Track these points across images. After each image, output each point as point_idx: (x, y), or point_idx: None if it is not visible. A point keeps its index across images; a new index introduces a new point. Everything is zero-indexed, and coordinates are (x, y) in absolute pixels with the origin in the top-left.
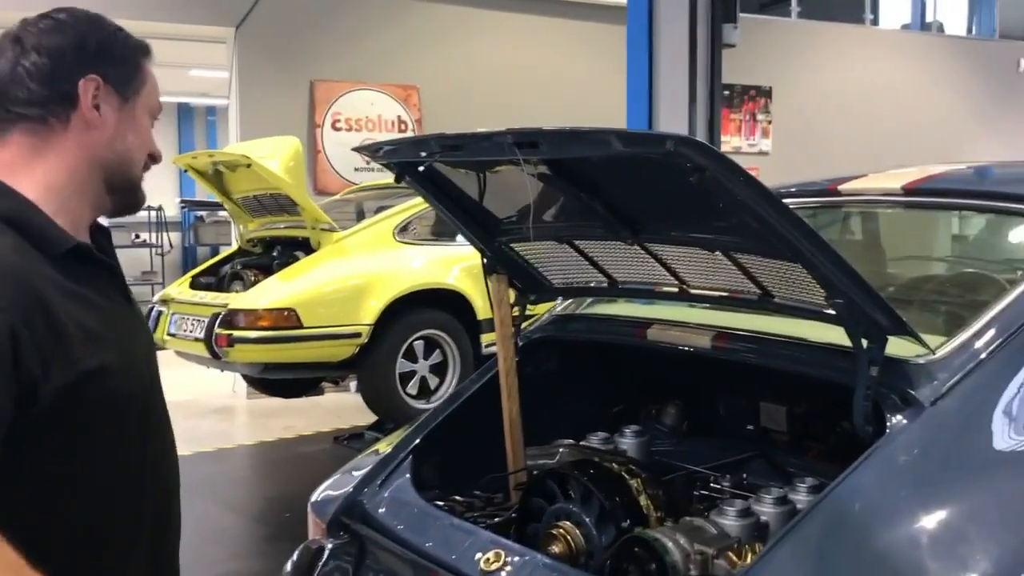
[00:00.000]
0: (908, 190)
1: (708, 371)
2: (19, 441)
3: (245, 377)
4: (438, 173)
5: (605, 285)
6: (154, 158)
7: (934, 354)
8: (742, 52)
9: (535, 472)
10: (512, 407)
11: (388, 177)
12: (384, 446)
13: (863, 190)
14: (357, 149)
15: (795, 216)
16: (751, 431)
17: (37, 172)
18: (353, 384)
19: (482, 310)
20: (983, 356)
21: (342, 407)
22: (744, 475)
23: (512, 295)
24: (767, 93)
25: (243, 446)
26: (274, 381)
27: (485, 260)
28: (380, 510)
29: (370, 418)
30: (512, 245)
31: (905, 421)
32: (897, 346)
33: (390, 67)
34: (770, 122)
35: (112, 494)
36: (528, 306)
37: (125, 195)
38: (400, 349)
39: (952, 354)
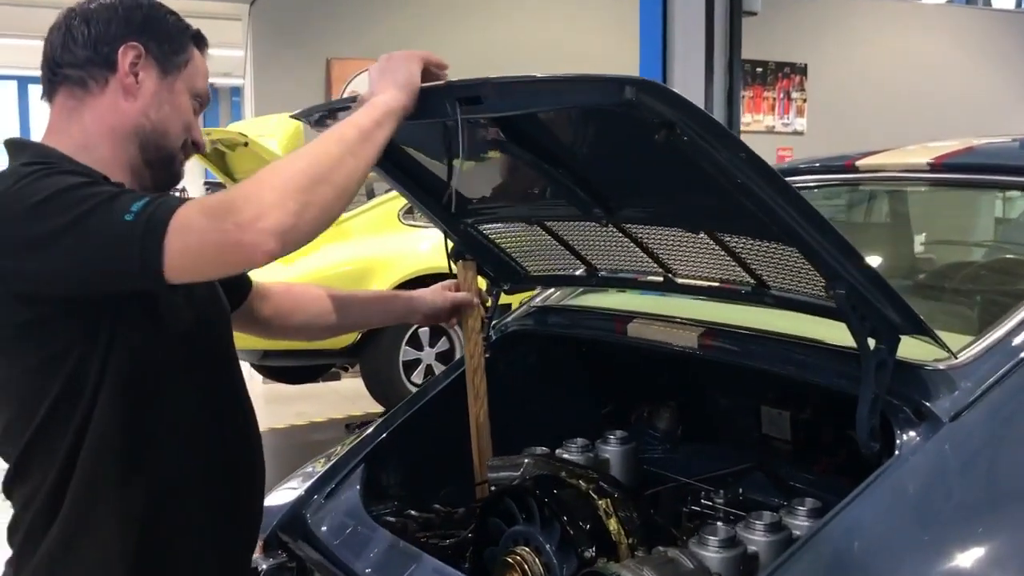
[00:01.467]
0: (935, 166)
1: (704, 370)
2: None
3: (251, 363)
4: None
5: (584, 273)
6: (196, 145)
7: (955, 358)
8: (775, 28)
9: (492, 488)
10: (479, 410)
11: None
12: (339, 448)
13: (884, 166)
14: (295, 115)
15: (786, 186)
16: (751, 439)
17: (73, 131)
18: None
19: None
20: (1015, 361)
21: (358, 393)
22: (740, 490)
23: (482, 283)
24: (802, 70)
25: None
26: (282, 368)
27: (450, 244)
28: (323, 527)
29: (376, 405)
30: (480, 228)
31: (918, 439)
32: (911, 348)
33: (408, 44)
34: (805, 100)
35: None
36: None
37: (160, 168)
38: (404, 336)
39: (978, 359)
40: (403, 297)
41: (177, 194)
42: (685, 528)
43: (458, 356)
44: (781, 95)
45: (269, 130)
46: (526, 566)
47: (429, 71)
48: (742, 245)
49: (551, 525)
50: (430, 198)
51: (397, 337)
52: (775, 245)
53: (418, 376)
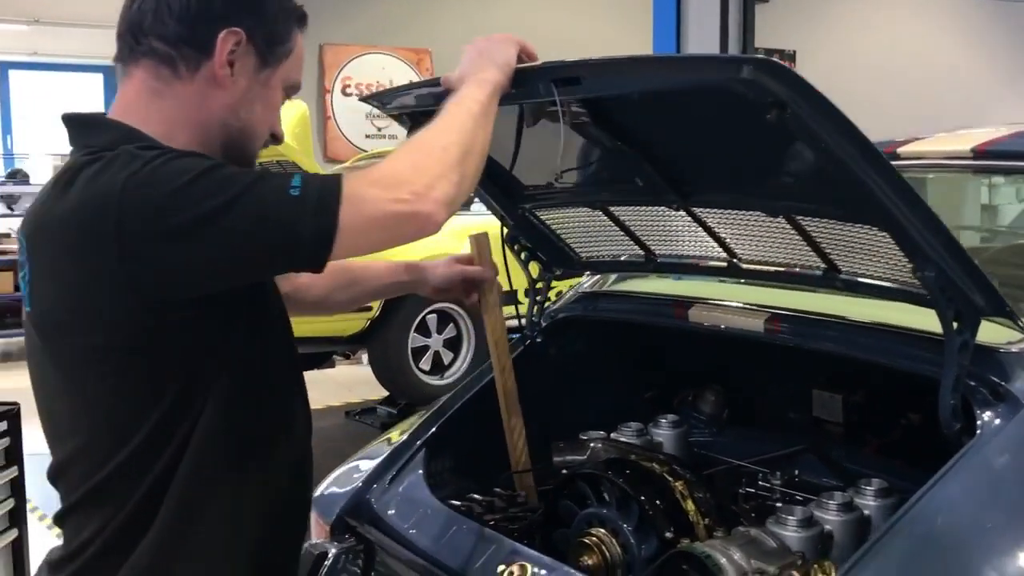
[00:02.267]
0: (979, 152)
1: (751, 355)
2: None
3: None
4: None
5: (641, 259)
6: (275, 137)
7: None
8: (764, 14)
9: (564, 471)
10: (506, 384)
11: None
12: (396, 435)
13: (926, 153)
14: (365, 99)
15: (891, 169)
16: (800, 422)
17: (153, 117)
18: (365, 356)
19: None
20: None
21: (354, 380)
22: (796, 471)
23: (536, 268)
24: (791, 57)
25: None
26: None
27: (506, 229)
28: (390, 511)
29: (382, 392)
30: (537, 213)
31: (999, 420)
32: (986, 331)
33: (401, 30)
34: None
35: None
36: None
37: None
38: (412, 323)
39: None
40: (413, 267)
41: None
42: (742, 509)
43: (465, 344)
44: None
45: None
46: (603, 547)
47: (520, 57)
48: (821, 228)
49: (628, 507)
50: (488, 181)
51: (405, 324)
52: (861, 228)
53: (426, 363)
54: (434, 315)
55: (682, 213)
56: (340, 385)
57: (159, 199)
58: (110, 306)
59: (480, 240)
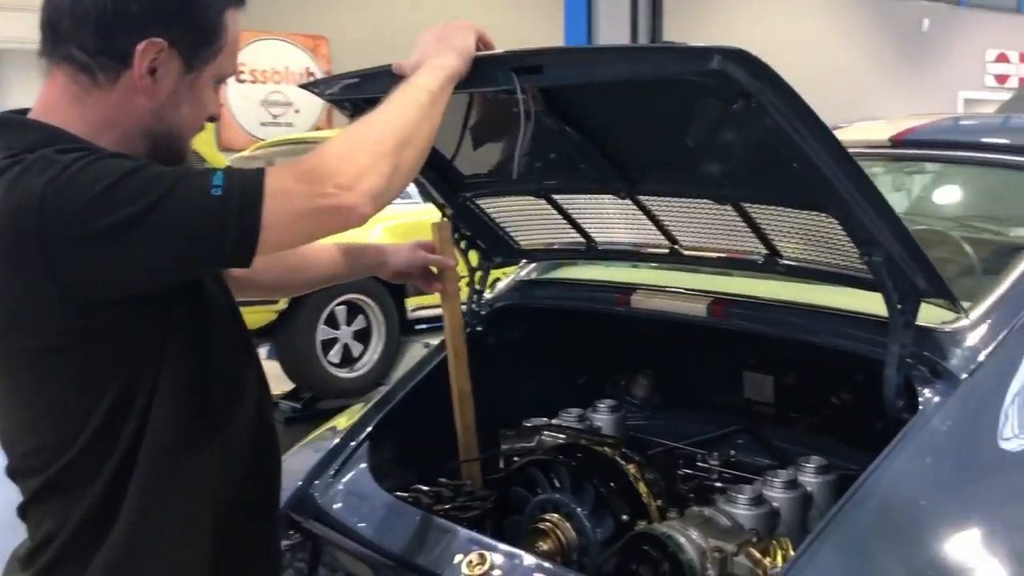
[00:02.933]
0: (897, 141)
1: (685, 339)
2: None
3: None
4: None
5: (582, 246)
6: (212, 118)
7: (967, 318)
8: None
9: (515, 458)
10: (461, 376)
11: (300, 131)
12: (344, 421)
13: (845, 142)
14: (304, 86)
15: (849, 158)
16: (732, 403)
17: (75, 119)
18: (264, 350)
19: None
20: (1018, 320)
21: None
22: (732, 452)
23: (475, 257)
24: None
25: None
26: None
27: (446, 218)
28: (336, 504)
29: (285, 385)
30: (478, 201)
31: (939, 397)
32: (922, 313)
33: (297, 16)
34: None
35: None
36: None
37: (166, 163)
38: (321, 315)
39: (986, 317)
40: (373, 249)
41: None
42: (682, 490)
43: (375, 335)
44: None
45: None
46: (558, 532)
47: (477, 45)
48: (766, 215)
49: (582, 491)
50: (427, 169)
51: (314, 316)
52: (809, 214)
53: (335, 355)
54: (343, 307)
55: (627, 201)
56: None
57: (79, 205)
58: (41, 310)
59: (443, 228)
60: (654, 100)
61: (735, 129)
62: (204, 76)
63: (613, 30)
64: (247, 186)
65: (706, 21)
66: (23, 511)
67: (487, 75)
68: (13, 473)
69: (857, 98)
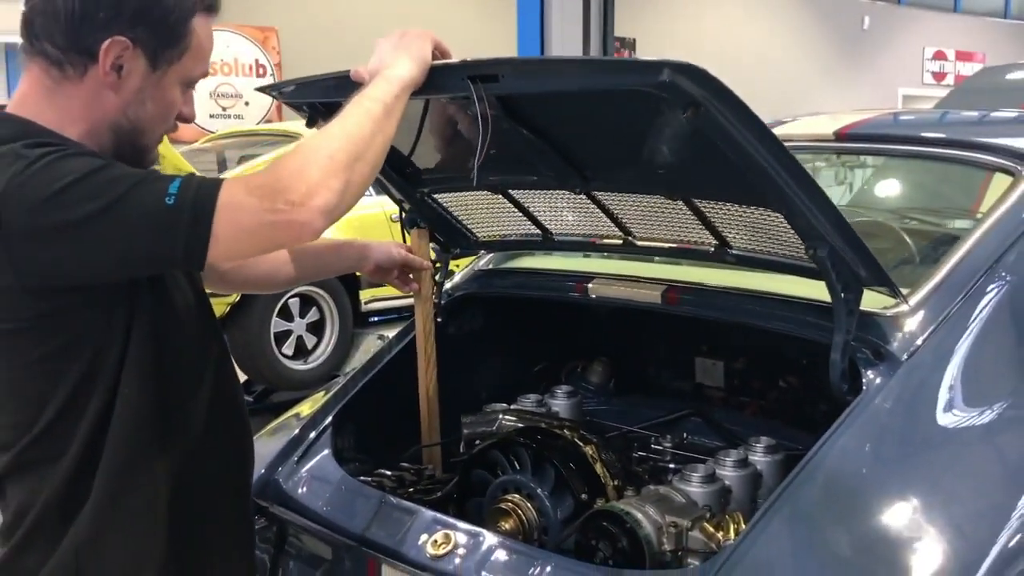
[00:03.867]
0: (841, 136)
1: (638, 327)
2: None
3: None
4: None
5: (539, 237)
6: (184, 119)
7: (907, 304)
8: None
9: (477, 441)
10: (429, 376)
11: (249, 124)
12: (306, 408)
13: (791, 135)
14: (262, 89)
15: (793, 160)
16: (683, 389)
17: (46, 111)
18: None
19: None
20: (954, 305)
21: None
22: (685, 434)
23: (431, 251)
24: (631, 45)
25: None
26: None
27: (404, 213)
28: (301, 489)
29: (239, 377)
30: (435, 196)
31: (881, 378)
32: (866, 299)
33: (246, 7)
34: None
35: None
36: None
37: (131, 160)
38: (274, 308)
39: (924, 303)
40: (356, 244)
41: None
42: (637, 472)
43: (328, 327)
44: None
45: None
46: (520, 511)
47: (434, 54)
48: (716, 210)
49: (543, 471)
50: (386, 167)
51: (267, 308)
52: (756, 210)
53: (289, 347)
54: (296, 299)
55: (582, 196)
56: None
57: (38, 201)
58: (2, 293)
59: (421, 234)
60: (608, 108)
61: (685, 135)
62: (169, 76)
63: (566, 30)
64: (199, 197)
65: (653, 20)
66: None
67: (444, 83)
68: None
69: (799, 94)
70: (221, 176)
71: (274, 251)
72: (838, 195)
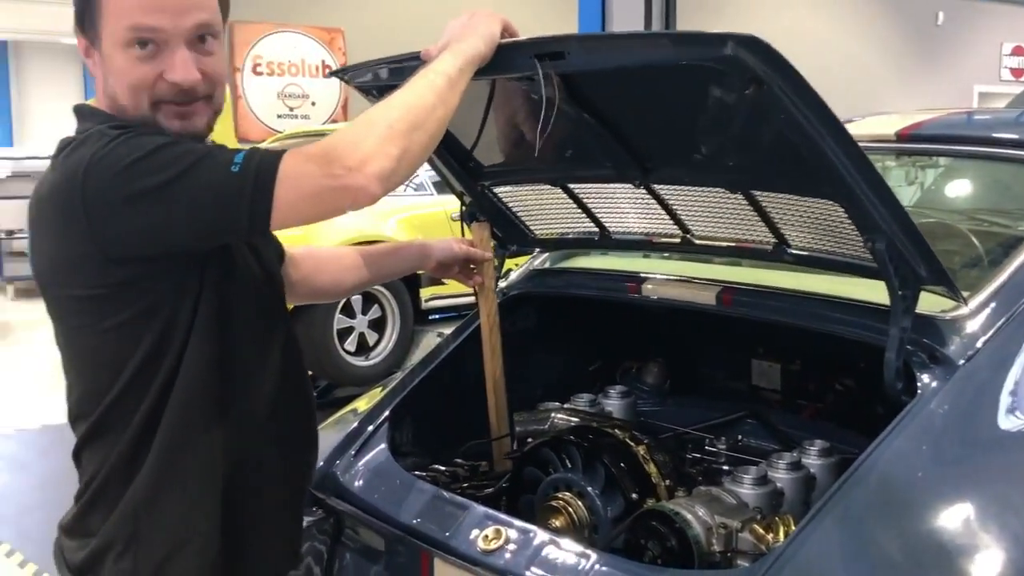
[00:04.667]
0: (902, 136)
1: (693, 328)
2: None
3: None
4: None
5: (595, 235)
6: (178, 86)
7: (966, 306)
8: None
9: (529, 439)
10: (495, 367)
11: (316, 124)
12: (364, 404)
13: (854, 136)
14: (333, 73)
15: (854, 144)
16: (739, 390)
17: (100, 98)
18: None
19: None
20: (1017, 308)
21: None
22: (739, 436)
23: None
24: None
25: None
26: None
27: (464, 207)
28: (357, 482)
29: None
30: (495, 190)
31: (937, 382)
32: (921, 301)
33: (313, 9)
34: None
35: None
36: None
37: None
38: (338, 304)
39: (983, 306)
40: (416, 244)
41: None
42: (691, 473)
43: (390, 324)
44: None
45: None
46: (571, 509)
47: (503, 34)
48: (775, 204)
49: (594, 470)
50: (447, 157)
51: (331, 305)
52: (816, 201)
53: (351, 344)
54: (359, 296)
55: (641, 190)
56: None
57: (116, 171)
58: (83, 261)
59: (482, 227)
60: (670, 87)
61: (747, 115)
62: (106, 45)
63: (627, 25)
64: (262, 164)
65: (720, 15)
66: (76, 455)
67: (510, 62)
68: (73, 419)
69: (871, 92)
70: None
71: (334, 216)
72: (905, 196)
